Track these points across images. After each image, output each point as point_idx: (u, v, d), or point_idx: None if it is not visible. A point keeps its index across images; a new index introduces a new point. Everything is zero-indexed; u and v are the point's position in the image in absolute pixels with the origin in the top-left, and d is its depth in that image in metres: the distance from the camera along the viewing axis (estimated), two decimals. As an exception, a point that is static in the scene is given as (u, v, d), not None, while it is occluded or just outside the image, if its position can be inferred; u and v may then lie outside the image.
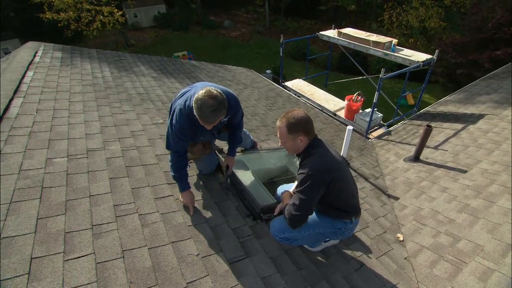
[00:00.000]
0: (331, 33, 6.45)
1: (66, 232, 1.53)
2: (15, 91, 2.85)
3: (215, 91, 1.67)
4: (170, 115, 1.86)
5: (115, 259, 1.46)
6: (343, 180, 1.58)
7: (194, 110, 1.66)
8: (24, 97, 2.81)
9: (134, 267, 1.45)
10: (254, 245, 1.82)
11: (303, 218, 1.51)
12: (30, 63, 3.69)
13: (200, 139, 2.08)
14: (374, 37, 5.44)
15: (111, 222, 1.67)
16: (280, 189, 2.13)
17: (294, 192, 1.55)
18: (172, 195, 2.01)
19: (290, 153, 1.68)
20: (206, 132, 1.96)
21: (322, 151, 1.56)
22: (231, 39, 23.83)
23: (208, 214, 1.94)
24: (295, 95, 6.20)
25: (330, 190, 1.51)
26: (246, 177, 2.45)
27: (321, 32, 6.59)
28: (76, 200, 1.76)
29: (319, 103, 5.85)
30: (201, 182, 2.24)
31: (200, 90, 1.69)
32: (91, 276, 1.34)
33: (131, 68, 4.64)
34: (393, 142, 4.50)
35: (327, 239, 1.92)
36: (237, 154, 2.68)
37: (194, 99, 1.66)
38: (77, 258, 1.41)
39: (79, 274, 1.34)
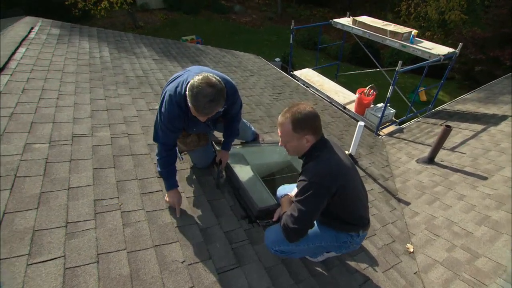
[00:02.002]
0: (346, 21, 6.07)
1: (35, 230, 1.36)
2: (2, 68, 2.66)
3: (214, 79, 1.45)
4: (160, 102, 1.64)
5: (88, 264, 1.29)
6: (351, 188, 1.36)
7: (188, 99, 1.44)
8: (11, 74, 2.61)
9: (108, 274, 1.28)
10: (248, 252, 1.63)
11: (302, 232, 1.31)
12: (24, 39, 3.48)
13: (193, 131, 1.87)
14: (392, 26, 5.07)
15: (89, 220, 1.49)
16: (281, 190, 1.93)
17: (293, 201, 1.34)
18: (161, 190, 1.82)
19: (291, 155, 1.45)
20: (200, 123, 1.75)
21: (328, 153, 1.34)
22: (241, 24, 23.22)
23: (198, 214, 1.75)
24: (304, 85, 5.91)
25: (335, 199, 1.29)
26: (244, 173, 2.24)
27: (334, 20, 6.21)
28: (52, 192, 1.58)
29: (328, 94, 5.55)
30: (194, 177, 2.05)
31: (196, 76, 1.46)
32: (57, 285, 1.17)
33: (132, 49, 4.41)
34: (405, 141, 4.23)
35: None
36: (237, 147, 2.48)
37: (188, 86, 1.44)
38: (43, 262, 1.24)
39: (42, 281, 1.17)
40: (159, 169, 1.71)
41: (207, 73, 1.46)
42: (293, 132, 1.32)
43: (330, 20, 6.28)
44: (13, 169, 1.64)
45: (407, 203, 2.68)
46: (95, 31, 4.67)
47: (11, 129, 1.95)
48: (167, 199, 1.71)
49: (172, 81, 1.64)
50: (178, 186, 1.73)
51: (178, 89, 1.54)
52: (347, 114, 5.12)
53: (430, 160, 3.26)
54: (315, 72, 6.49)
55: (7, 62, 2.80)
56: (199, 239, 1.59)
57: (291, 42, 6.18)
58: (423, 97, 12.08)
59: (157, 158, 1.70)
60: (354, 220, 1.42)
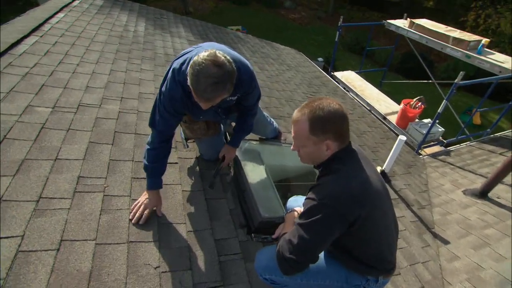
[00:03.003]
0: (401, 23, 5.46)
1: (3, 200, 1.21)
2: (35, 29, 2.64)
3: (223, 57, 1.16)
4: (162, 79, 1.40)
5: (46, 250, 1.10)
6: (377, 220, 1.01)
7: (188, 78, 1.18)
8: (41, 36, 2.58)
9: (65, 267, 1.08)
10: (238, 269, 1.35)
11: (300, 266, 0.99)
12: (66, 6, 3.50)
13: (200, 119, 1.61)
14: (457, 33, 4.41)
15: (65, 198, 1.31)
16: (292, 202, 1.62)
17: (295, 222, 1.03)
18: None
19: (305, 162, 1.13)
20: (208, 111, 1.49)
21: (352, 168, 1.01)
22: (289, 21, 22.79)
23: (191, 212, 1.51)
24: (343, 88, 5.44)
25: (353, 231, 0.96)
26: (255, 173, 1.96)
27: (388, 21, 5.62)
28: (36, 161, 1.43)
29: (369, 101, 5.04)
30: (197, 168, 1.81)
31: (203, 51, 1.19)
32: (1, 270, 1.00)
33: (169, 28, 4.30)
34: (452, 166, 3.64)
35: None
36: (253, 142, 2.20)
37: (191, 62, 1.16)
38: (-4, 239, 1.08)
39: (-14, 262, 1.00)
40: (145, 162, 1.40)
41: (216, 50, 1.18)
42: (310, 133, 1.00)
43: (383, 21, 5.70)
44: (5, 129, 1.53)
45: (446, 242, 2.22)
46: (137, 6, 4.64)
47: (20, 88, 1.86)
48: (142, 200, 1.38)
49: (180, 57, 1.39)
50: (161, 187, 1.44)
51: (184, 67, 1.29)
52: (386, 125, 4.58)
53: (483, 194, 2.71)
54: (358, 76, 5.96)
55: (41, 24, 2.79)
56: (182, 243, 1.34)
57: (336, 39, 5.71)
58: (477, 120, 10.75)
59: (147, 148, 1.41)
60: (374, 262, 1.07)
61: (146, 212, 1.35)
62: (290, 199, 1.67)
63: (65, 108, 1.85)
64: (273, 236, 1.38)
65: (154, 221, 1.36)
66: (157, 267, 1.19)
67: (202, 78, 1.13)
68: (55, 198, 1.30)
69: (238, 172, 1.81)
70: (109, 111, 1.97)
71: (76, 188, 1.37)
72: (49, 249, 1.11)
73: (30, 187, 1.30)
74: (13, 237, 1.10)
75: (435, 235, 2.31)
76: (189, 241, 1.36)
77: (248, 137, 2.18)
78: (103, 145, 1.68)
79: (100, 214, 1.30)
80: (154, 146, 1.40)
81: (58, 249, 1.12)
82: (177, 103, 1.34)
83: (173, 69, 1.31)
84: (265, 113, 2.09)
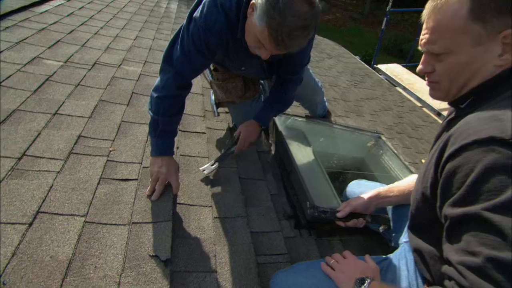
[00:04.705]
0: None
1: (-28, 152, 0.90)
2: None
3: None
4: (193, 5, 1.02)
5: (13, 223, 0.76)
6: None
7: (259, 14, 0.79)
8: (68, 0, 2.38)
9: (34, 251, 0.72)
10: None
11: None
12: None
13: (241, 70, 1.22)
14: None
15: (56, 159, 0.98)
16: (354, 186, 1.18)
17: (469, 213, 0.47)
18: (177, 147, 1.24)
19: (439, 93, 0.64)
20: (252, 61, 1.10)
21: None
22: (322, 22, 22.31)
23: (219, 193, 1.11)
24: (389, 81, 4.84)
25: None
26: (302, 155, 1.53)
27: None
28: (31, 113, 1.13)
29: (419, 96, 4.39)
30: (228, 141, 1.42)
31: None
32: None
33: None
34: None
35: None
36: (298, 119, 1.78)
37: None
38: None
39: None
40: (152, 115, 1.01)
41: None
42: (469, 20, 0.52)
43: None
44: (3, 76, 1.25)
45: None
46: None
47: (32, 41, 1.61)
48: (153, 170, 0.99)
49: None
50: (173, 153, 1.05)
51: None
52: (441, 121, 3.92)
53: None
54: (405, 69, 5.31)
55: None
56: (207, 232, 0.94)
57: (382, 27, 5.15)
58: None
59: (155, 96, 1.01)
60: None
61: (158, 185, 0.97)
62: (352, 183, 1.22)
63: (78, 64, 1.56)
64: (339, 215, 0.92)
65: (169, 199, 0.98)
66: (166, 260, 0.80)
67: (289, 17, 0.76)
68: (43, 157, 0.97)
69: (283, 149, 1.39)
70: (129, 72, 1.66)
71: (73, 149, 1.04)
72: (18, 222, 0.76)
73: (14, 141, 0.98)
74: (-29, 200, 0.77)
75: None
76: (215, 231, 0.96)
77: (291, 112, 1.77)
78: (116, 105, 1.35)
79: (98, 184, 0.95)
80: (168, 92, 1.00)
81: (30, 224, 0.77)
82: (212, 38, 0.94)
83: None
84: (318, 80, 1.65)
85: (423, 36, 0.59)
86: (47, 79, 1.34)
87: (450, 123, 0.65)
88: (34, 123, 1.08)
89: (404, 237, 0.90)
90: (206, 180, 1.14)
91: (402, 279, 0.76)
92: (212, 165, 1.15)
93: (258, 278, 0.87)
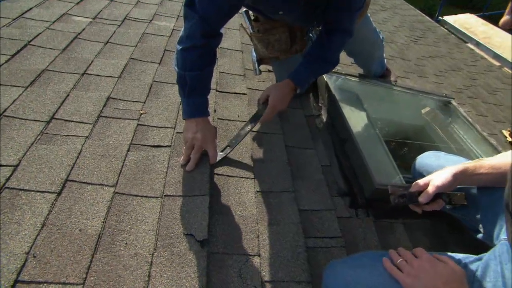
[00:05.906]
0: None
1: (4, 116, 0.84)
2: None
3: None
4: None
5: (42, 191, 0.70)
6: None
7: None
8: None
9: (64, 222, 0.66)
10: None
11: None
12: None
13: (279, 14, 0.98)
14: None
15: (85, 123, 0.90)
16: (430, 158, 0.94)
17: None
18: (215, 110, 1.09)
19: None
20: (291, 2, 0.86)
21: None
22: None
23: (262, 163, 0.96)
24: (457, 36, 4.09)
25: None
26: (358, 122, 1.30)
27: None
28: (59, 73, 1.05)
29: (498, 52, 3.65)
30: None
31: None
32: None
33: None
34: None
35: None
36: (351, 79, 1.51)
37: None
38: (-27, 165, 0.70)
39: None
40: (178, 70, 0.85)
41: None
42: None
43: None
44: (32, 34, 1.18)
45: None
46: None
47: (61, -3, 1.52)
48: (187, 137, 0.85)
49: None
50: (208, 114, 0.89)
51: None
52: (526, 84, 3.25)
53: None
54: (480, 20, 4.43)
55: None
56: (248, 209, 0.82)
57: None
58: None
59: (180, 47, 0.83)
60: None
61: (193, 154, 0.85)
62: (424, 155, 0.98)
63: (107, 20, 1.44)
64: (422, 199, 0.72)
65: (205, 170, 0.86)
66: (202, 240, 0.69)
67: None
68: (71, 121, 0.89)
69: (336, 114, 1.18)
70: (161, 28, 1.51)
71: (102, 112, 0.95)
72: (47, 191, 0.70)
73: (42, 104, 0.91)
74: (2, 166, 0.72)
75: None
76: (258, 207, 0.83)
77: (341, 69, 1.51)
78: (147, 63, 1.23)
79: (128, 150, 0.85)
80: (193, 42, 0.81)
81: (59, 193, 0.70)
82: None
83: None
84: (379, 30, 1.34)
85: None
86: (75, 37, 1.25)
87: None
88: (62, 85, 1.00)
89: (504, 234, 0.68)
90: (247, 147, 0.99)
91: None
92: (221, 151, 0.93)
93: (307, 265, 0.74)
